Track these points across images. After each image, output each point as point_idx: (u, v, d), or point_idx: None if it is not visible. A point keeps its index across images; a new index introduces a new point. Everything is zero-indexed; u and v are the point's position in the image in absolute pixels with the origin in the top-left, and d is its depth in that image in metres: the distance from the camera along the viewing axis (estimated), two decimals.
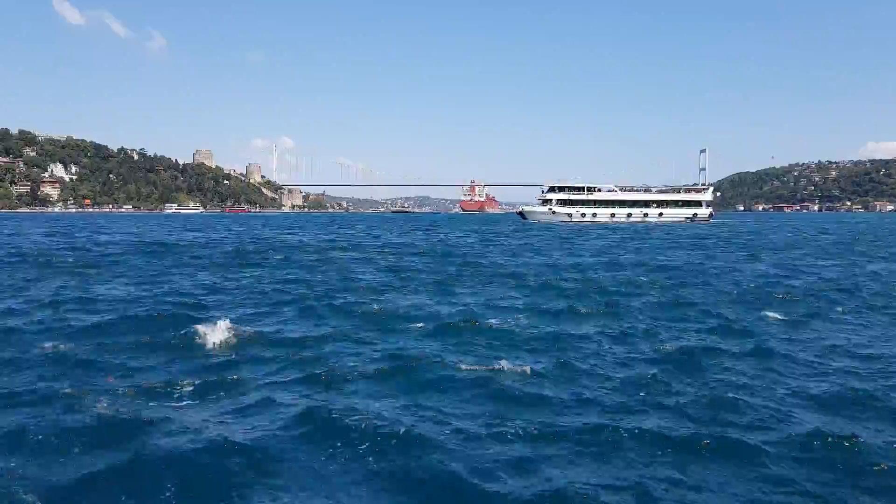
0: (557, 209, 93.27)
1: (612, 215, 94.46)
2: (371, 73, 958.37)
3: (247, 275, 21.87)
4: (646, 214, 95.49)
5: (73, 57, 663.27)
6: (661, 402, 7.72)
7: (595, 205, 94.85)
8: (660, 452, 6.18)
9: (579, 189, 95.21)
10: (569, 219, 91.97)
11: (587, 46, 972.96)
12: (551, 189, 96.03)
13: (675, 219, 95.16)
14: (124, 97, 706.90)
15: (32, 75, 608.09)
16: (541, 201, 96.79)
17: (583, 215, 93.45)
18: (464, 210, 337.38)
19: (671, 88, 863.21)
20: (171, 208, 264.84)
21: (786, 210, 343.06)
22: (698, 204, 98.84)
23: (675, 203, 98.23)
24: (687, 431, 6.67)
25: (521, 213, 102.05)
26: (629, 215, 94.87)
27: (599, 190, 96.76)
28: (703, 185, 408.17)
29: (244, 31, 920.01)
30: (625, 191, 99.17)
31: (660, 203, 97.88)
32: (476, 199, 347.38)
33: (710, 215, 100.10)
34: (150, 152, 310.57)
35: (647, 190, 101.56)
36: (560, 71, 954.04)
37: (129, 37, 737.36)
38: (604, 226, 79.90)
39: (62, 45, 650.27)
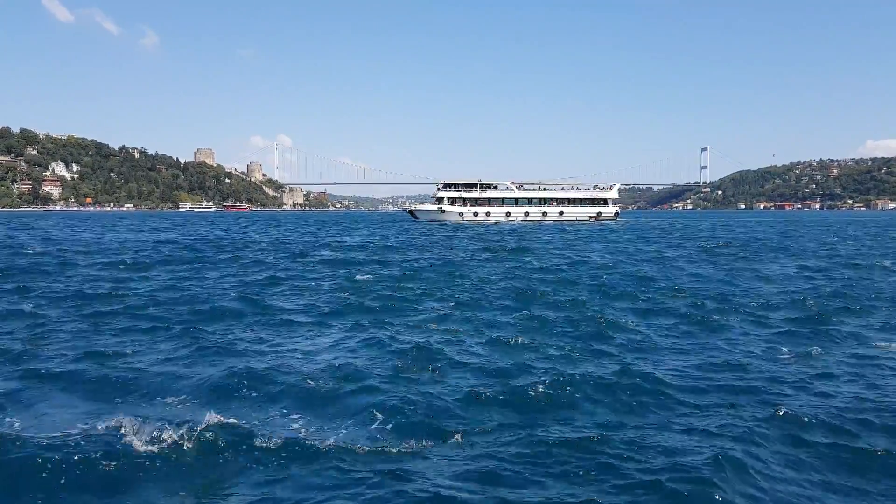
0: (447, 208, 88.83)
1: (508, 214, 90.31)
2: (370, 72, 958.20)
3: None
4: (545, 213, 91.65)
5: (70, 55, 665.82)
6: None
7: (489, 203, 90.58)
8: None
9: (472, 186, 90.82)
10: (460, 218, 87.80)
11: (589, 45, 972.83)
12: (444, 186, 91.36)
13: (578, 218, 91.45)
14: (123, 95, 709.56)
15: (28, 74, 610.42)
16: (434, 199, 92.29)
17: (475, 214, 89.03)
18: None
19: (673, 87, 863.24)
20: (186, 206, 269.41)
21: (787, 208, 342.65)
22: (604, 202, 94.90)
23: (579, 202, 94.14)
24: None
25: (411, 212, 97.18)
26: (527, 214, 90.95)
27: (496, 188, 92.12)
28: (705, 182, 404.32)
29: (234, 27, 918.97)
30: (521, 188, 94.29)
31: (561, 201, 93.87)
32: None
33: (616, 214, 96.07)
34: (151, 151, 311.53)
35: (543, 188, 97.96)
36: (562, 69, 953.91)
37: (122, 34, 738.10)
38: (490, 224, 78.44)
39: (56, 43, 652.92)
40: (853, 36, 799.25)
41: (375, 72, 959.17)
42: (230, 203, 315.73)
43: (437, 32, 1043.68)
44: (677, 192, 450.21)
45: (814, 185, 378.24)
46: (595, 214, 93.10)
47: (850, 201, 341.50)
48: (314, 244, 37.21)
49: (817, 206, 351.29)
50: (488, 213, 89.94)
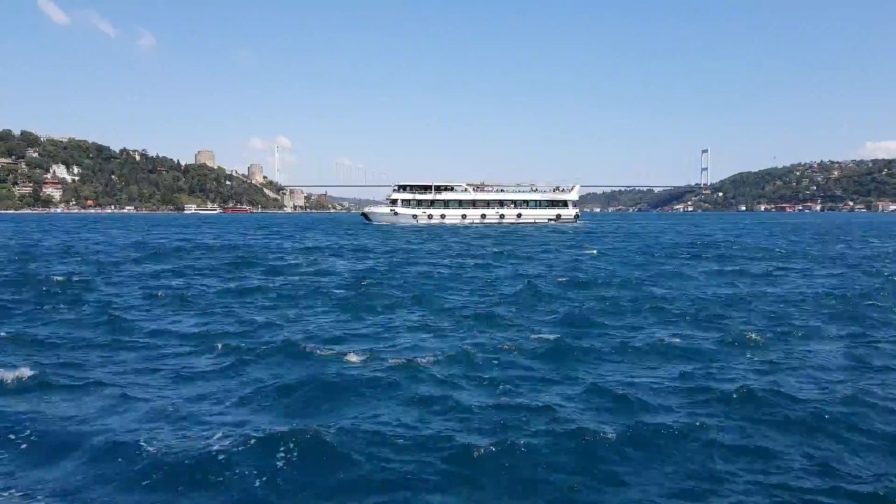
0: (401, 210, 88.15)
1: (464, 216, 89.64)
2: (369, 73, 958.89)
3: None
4: (502, 216, 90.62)
5: (68, 57, 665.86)
6: None
7: (445, 205, 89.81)
8: None
9: (426, 188, 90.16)
10: (414, 220, 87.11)
11: (590, 46, 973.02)
12: (398, 188, 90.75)
13: (537, 220, 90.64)
14: (122, 97, 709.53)
15: (28, 76, 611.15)
16: (389, 202, 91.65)
17: (430, 217, 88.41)
18: None
19: (673, 89, 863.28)
20: (191, 209, 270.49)
21: (787, 210, 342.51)
22: (564, 204, 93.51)
23: (538, 203, 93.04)
24: None
25: (364, 215, 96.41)
26: (483, 216, 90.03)
27: (452, 189, 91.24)
28: (705, 184, 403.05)
29: (230, 29, 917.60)
30: (478, 190, 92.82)
31: (519, 203, 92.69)
32: None
33: (576, 216, 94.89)
34: (151, 153, 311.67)
35: (502, 189, 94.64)
36: (563, 70, 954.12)
37: (119, 36, 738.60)
38: (445, 227, 77.86)
39: (53, 45, 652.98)
40: (853, 36, 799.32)
41: (374, 72, 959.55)
42: (231, 205, 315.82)
43: (437, 33, 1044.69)
44: (678, 195, 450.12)
45: (814, 187, 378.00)
46: (554, 217, 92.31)
47: (851, 203, 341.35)
48: None
49: (818, 207, 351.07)
50: (443, 216, 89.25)
